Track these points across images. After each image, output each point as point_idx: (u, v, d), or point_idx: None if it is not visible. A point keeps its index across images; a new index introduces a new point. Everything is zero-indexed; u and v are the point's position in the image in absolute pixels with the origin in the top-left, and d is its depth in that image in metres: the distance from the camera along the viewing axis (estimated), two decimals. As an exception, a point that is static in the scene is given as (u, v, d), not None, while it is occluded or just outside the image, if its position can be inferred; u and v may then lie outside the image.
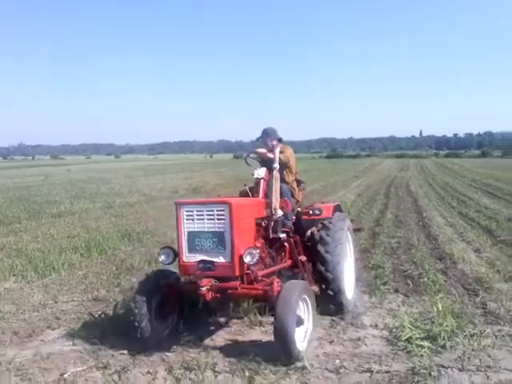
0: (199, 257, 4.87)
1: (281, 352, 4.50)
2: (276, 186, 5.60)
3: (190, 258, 4.93)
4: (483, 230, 12.42)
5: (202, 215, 4.89)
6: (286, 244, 5.76)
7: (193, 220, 4.93)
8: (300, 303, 4.72)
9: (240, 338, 5.40)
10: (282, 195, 5.77)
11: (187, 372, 4.46)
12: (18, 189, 31.76)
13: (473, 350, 4.80)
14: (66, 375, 4.54)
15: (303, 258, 5.88)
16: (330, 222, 6.02)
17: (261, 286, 4.94)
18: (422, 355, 4.67)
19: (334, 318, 5.83)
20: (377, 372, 4.37)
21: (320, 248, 5.79)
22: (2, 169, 77.84)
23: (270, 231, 5.54)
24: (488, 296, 6.66)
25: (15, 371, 4.67)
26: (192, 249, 4.93)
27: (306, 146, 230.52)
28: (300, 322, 4.70)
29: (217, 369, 4.50)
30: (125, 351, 5.00)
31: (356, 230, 7.68)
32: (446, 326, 5.12)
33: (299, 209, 6.37)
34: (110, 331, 5.47)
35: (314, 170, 50.52)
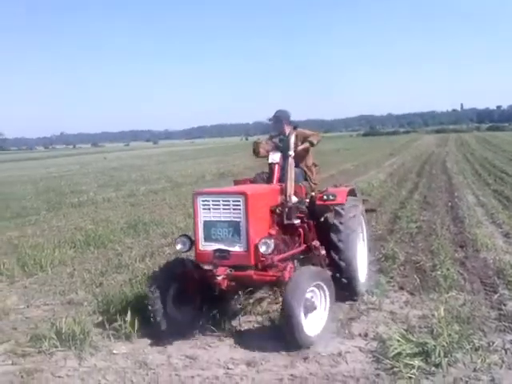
0: (215, 246, 4.86)
1: (287, 337, 4.46)
2: (291, 173, 5.58)
3: (206, 246, 4.91)
4: (517, 210, 11.33)
5: (218, 205, 4.86)
6: (300, 229, 5.59)
7: (209, 209, 4.90)
8: (313, 289, 4.70)
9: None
10: (295, 180, 5.72)
11: None
12: (50, 179, 32.04)
13: (474, 369, 3.93)
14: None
15: (317, 243, 5.71)
16: (343, 209, 5.76)
17: (274, 272, 4.88)
18: (409, 377, 3.83)
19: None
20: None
21: (333, 236, 5.63)
22: (42, 159, 79.66)
23: (285, 218, 5.36)
24: (508, 293, 5.75)
25: None
26: (208, 238, 4.90)
27: (344, 125, 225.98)
28: (312, 307, 4.65)
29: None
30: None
31: (369, 211, 7.45)
32: (447, 336, 4.26)
33: (313, 193, 6.14)
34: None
35: (348, 148, 49.06)
